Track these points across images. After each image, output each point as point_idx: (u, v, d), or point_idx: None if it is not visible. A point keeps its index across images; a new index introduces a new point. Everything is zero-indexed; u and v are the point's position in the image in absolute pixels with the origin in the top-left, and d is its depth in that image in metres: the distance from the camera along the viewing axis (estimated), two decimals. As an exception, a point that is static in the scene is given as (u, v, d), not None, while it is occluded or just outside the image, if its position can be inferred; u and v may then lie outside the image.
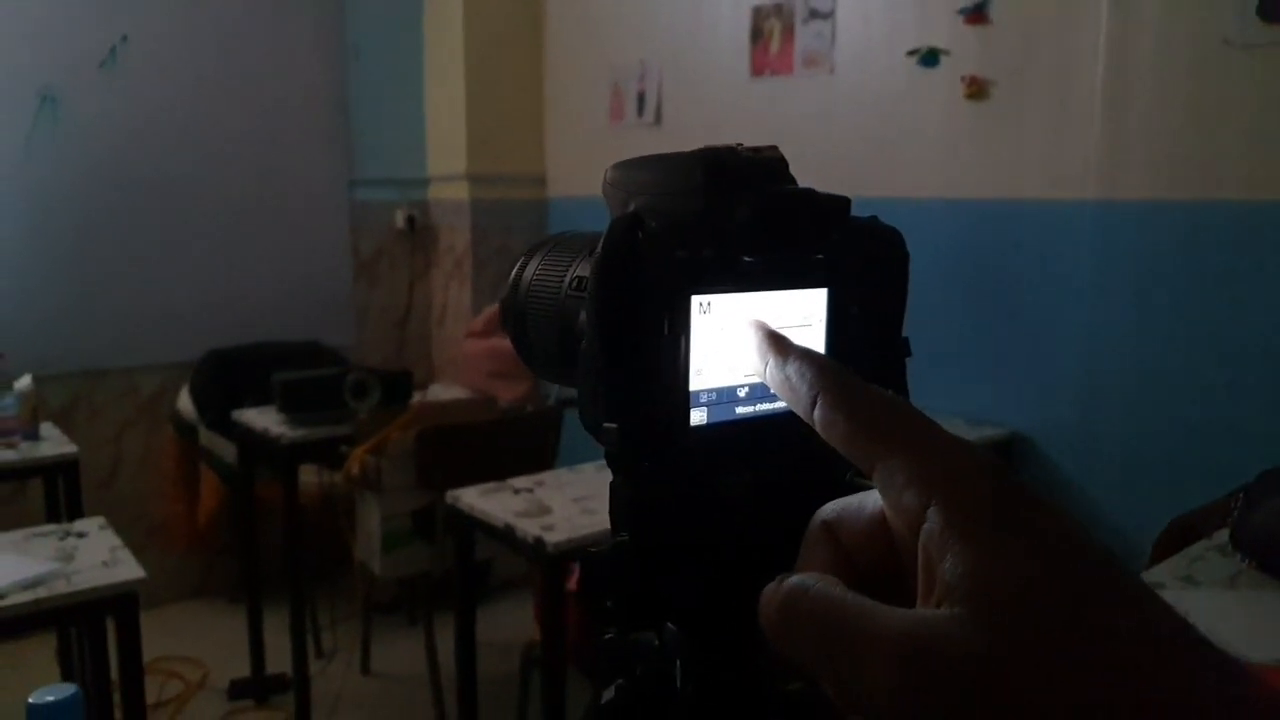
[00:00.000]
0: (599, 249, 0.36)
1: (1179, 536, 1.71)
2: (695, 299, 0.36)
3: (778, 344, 0.36)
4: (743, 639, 0.42)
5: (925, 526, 0.28)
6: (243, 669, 2.90)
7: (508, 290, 0.48)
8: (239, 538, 3.02)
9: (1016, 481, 0.29)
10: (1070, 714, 0.23)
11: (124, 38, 3.25)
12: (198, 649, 3.09)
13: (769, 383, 0.36)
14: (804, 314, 0.39)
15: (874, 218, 0.42)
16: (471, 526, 2.02)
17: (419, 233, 3.90)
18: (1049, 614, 0.25)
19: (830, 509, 0.35)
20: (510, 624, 3.17)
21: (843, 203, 0.39)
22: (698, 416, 0.37)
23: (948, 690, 0.25)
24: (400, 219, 3.86)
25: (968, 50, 2.45)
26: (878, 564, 0.32)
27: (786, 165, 0.39)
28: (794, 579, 0.31)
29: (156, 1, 3.31)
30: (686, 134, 3.23)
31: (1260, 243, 2.01)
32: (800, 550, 0.35)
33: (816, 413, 0.33)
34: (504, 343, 3.06)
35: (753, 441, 0.39)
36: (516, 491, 2.04)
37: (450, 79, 3.75)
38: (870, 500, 0.33)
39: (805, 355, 0.35)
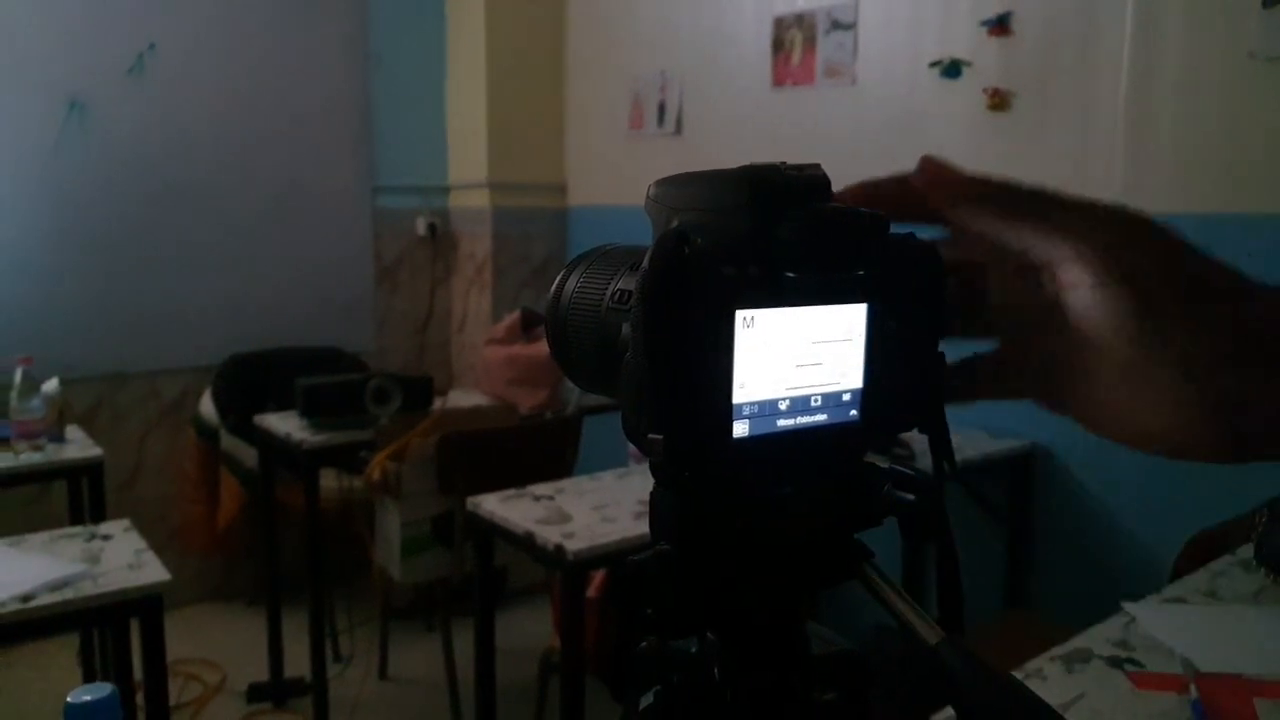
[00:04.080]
0: (646, 263, 0.37)
1: (1202, 551, 1.70)
2: (740, 314, 0.37)
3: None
4: (782, 647, 0.43)
5: None
6: (261, 672, 2.92)
7: (549, 302, 0.49)
8: (259, 542, 3.04)
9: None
10: None
11: (151, 46, 3.30)
12: (216, 652, 3.12)
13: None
14: (845, 329, 0.40)
15: (911, 234, 0.43)
16: (491, 533, 2.02)
17: (440, 239, 3.93)
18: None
19: None
20: (527, 630, 3.18)
21: (882, 220, 0.40)
22: (740, 429, 0.38)
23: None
24: (422, 226, 3.89)
25: (990, 62, 2.44)
26: None
27: (829, 184, 0.40)
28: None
29: (184, 10, 3.35)
30: (707, 144, 3.24)
31: (1285, 256, 2.00)
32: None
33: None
34: (524, 350, 3.07)
35: (793, 454, 0.40)
36: (537, 499, 2.05)
37: (472, 87, 3.78)
38: None
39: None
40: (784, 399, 0.39)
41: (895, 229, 0.41)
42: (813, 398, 0.40)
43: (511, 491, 2.08)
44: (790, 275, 0.38)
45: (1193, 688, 1.10)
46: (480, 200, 3.79)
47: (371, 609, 3.14)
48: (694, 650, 0.43)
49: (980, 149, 2.49)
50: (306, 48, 3.60)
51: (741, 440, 0.38)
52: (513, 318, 3.22)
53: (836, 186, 0.42)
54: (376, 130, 3.78)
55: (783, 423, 0.39)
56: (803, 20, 2.89)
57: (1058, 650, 1.21)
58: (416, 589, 3.23)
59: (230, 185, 3.48)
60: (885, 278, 0.40)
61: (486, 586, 2.17)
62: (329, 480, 2.92)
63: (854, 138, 2.75)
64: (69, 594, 1.48)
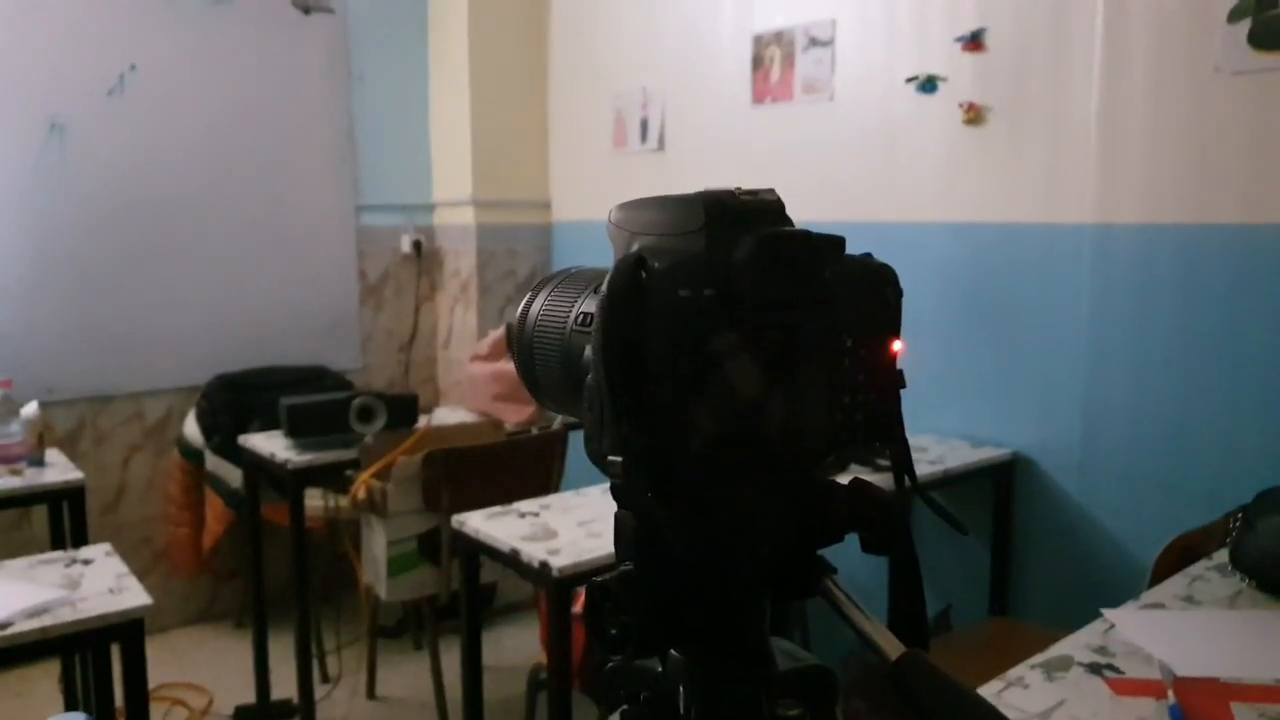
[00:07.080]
0: (604, 288, 0.38)
1: (1179, 556, 1.71)
2: (696, 336, 0.38)
3: None
4: (744, 662, 0.43)
5: None
6: (248, 695, 2.90)
7: (515, 323, 0.49)
8: (245, 562, 3.02)
9: None
10: None
11: (132, 66, 3.30)
12: (202, 675, 3.09)
13: None
14: (802, 348, 0.41)
15: (868, 255, 0.43)
16: (477, 550, 2.02)
17: (425, 257, 3.93)
18: None
19: None
20: (515, 647, 3.17)
21: (837, 242, 0.41)
22: (698, 449, 0.39)
23: None
24: (406, 243, 3.89)
25: (965, 77, 2.47)
26: None
27: (783, 206, 0.40)
28: None
29: (165, 31, 3.35)
30: (689, 160, 3.26)
31: (1255, 265, 2.02)
32: None
33: None
34: (509, 366, 3.07)
35: (753, 473, 0.40)
36: (522, 515, 2.05)
37: (455, 104, 3.79)
38: None
39: None
40: (742, 419, 0.40)
41: (857, 237, 0.41)
42: (771, 416, 0.40)
43: (497, 508, 2.08)
44: (746, 297, 0.38)
45: (1170, 693, 1.11)
46: (465, 217, 3.79)
47: (359, 628, 3.12)
48: (660, 669, 0.44)
49: (956, 162, 2.51)
50: (289, 67, 3.61)
51: (699, 460, 0.39)
52: (498, 334, 3.22)
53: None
54: (360, 149, 3.78)
55: (742, 442, 0.40)
56: (781, 37, 2.92)
57: (1038, 658, 1.22)
58: (404, 607, 3.22)
59: (213, 205, 3.48)
60: (840, 297, 0.41)
61: (472, 604, 2.17)
62: (314, 500, 2.90)
63: (833, 152, 2.78)
64: (47, 620, 1.47)
